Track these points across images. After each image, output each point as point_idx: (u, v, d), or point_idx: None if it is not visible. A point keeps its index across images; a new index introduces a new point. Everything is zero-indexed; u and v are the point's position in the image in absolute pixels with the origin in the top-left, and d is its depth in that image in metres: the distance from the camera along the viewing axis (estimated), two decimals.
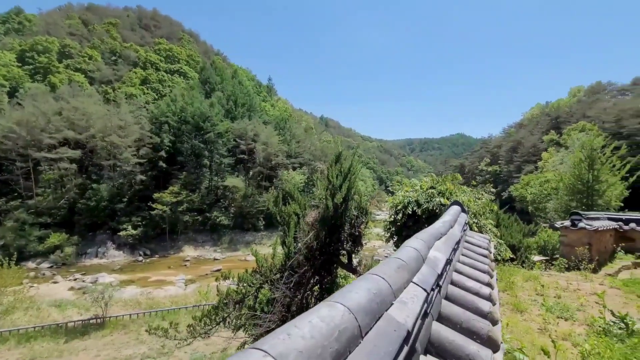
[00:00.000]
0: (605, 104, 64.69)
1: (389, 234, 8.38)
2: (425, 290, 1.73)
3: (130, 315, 20.49)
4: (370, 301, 1.24)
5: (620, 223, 12.81)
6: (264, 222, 52.03)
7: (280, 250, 7.21)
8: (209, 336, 6.32)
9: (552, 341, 3.68)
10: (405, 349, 1.23)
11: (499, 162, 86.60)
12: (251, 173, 58.31)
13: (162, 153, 49.17)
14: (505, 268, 8.33)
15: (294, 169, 62.10)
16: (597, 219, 12.37)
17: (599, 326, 4.73)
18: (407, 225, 7.82)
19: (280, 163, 60.72)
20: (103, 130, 44.74)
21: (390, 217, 8.26)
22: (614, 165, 24.20)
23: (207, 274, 33.37)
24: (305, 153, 69.99)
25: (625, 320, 4.64)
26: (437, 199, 7.46)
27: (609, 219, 12.97)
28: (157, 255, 42.96)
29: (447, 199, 7.41)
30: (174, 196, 45.18)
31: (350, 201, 6.75)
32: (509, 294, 6.31)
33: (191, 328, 5.80)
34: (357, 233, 7.18)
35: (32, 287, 26.60)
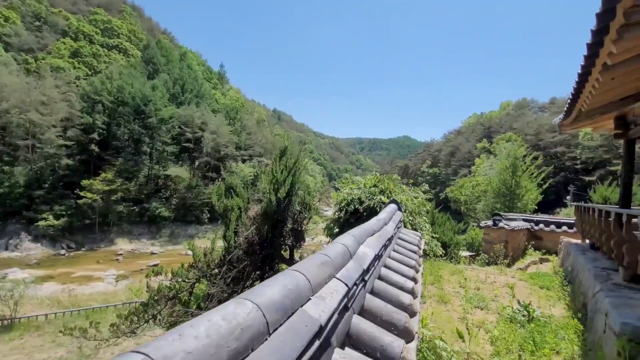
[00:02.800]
0: (528, 118, 73.33)
1: (331, 231, 8.50)
2: (346, 285, 1.77)
3: (46, 315, 18.20)
4: (284, 297, 1.23)
5: (532, 224, 14.61)
6: (208, 215, 49.78)
7: (220, 244, 6.96)
8: (136, 335, 5.87)
9: (467, 328, 4.06)
10: (317, 343, 1.24)
11: (439, 164, 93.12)
12: (197, 163, 55.39)
13: (95, 136, 44.33)
14: (436, 263, 8.99)
15: (244, 161, 60.36)
16: (514, 219, 14.00)
17: (507, 314, 5.36)
18: (349, 222, 8.02)
19: (229, 154, 58.57)
20: (20, 105, 38.92)
21: (334, 214, 8.40)
22: (532, 173, 27.48)
23: (142, 269, 31.00)
24: (256, 146, 68.34)
25: (527, 309, 5.32)
26: (378, 197, 7.78)
27: (524, 220, 14.74)
28: (84, 249, 38.85)
29: (388, 197, 7.77)
30: (106, 184, 41.15)
31: (294, 196, 6.74)
32: (436, 287, 6.83)
33: (115, 327, 5.32)
34: (299, 228, 7.20)
35: None
